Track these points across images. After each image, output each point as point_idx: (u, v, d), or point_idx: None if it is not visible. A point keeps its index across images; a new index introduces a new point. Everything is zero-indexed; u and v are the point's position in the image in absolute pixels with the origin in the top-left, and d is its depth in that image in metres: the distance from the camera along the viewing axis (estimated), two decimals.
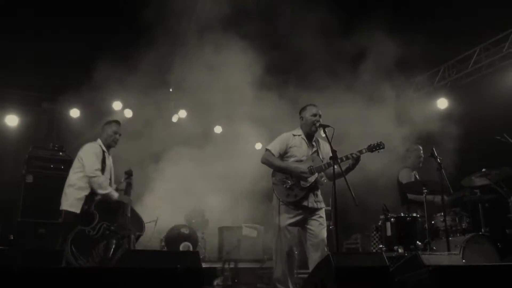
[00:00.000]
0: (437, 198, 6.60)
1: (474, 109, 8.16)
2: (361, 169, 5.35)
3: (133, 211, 5.48)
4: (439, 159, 6.05)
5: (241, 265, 7.88)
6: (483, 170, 6.42)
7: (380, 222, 6.57)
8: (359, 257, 4.09)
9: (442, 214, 6.13)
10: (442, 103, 9.31)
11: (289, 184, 5.17)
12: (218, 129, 10.78)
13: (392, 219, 6.35)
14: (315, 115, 5.35)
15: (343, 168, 5.06)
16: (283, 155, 5.36)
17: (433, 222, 6.43)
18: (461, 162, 7.61)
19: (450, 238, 5.93)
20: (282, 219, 5.17)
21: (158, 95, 9.83)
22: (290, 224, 5.15)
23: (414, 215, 6.33)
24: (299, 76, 8.04)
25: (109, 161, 5.72)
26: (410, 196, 6.84)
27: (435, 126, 8.26)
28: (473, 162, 7.25)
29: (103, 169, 5.51)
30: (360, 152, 5.11)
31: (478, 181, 6.56)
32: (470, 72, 9.06)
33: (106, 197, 5.33)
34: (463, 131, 7.93)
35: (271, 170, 5.38)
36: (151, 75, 8.41)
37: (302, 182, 5.18)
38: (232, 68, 7.96)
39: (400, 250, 6.10)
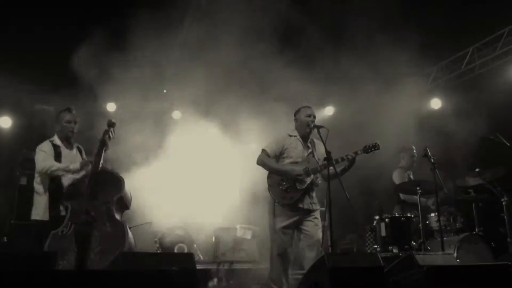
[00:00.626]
0: (430, 202, 6.64)
1: (468, 109, 8.19)
2: (356, 168, 5.36)
3: (104, 174, 5.06)
4: (433, 159, 6.07)
5: (236, 266, 7.87)
6: (477, 170, 6.45)
7: (374, 222, 6.59)
8: (353, 257, 4.10)
9: (436, 214, 6.17)
10: (436, 103, 9.35)
11: (285, 186, 5.19)
12: (213, 130, 10.76)
13: (386, 220, 6.38)
14: (309, 116, 5.38)
15: (338, 169, 5.07)
16: (279, 156, 5.38)
17: (427, 222, 6.46)
18: (455, 162, 7.63)
19: (445, 238, 5.95)
20: (277, 221, 5.19)
21: (153, 96, 9.80)
22: (285, 226, 5.17)
23: (409, 215, 6.36)
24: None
25: (71, 154, 5.33)
26: (403, 196, 6.87)
27: (429, 126, 8.29)
28: (467, 162, 7.29)
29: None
30: (356, 153, 5.16)
31: (472, 181, 6.59)
32: (463, 72, 9.09)
33: (73, 181, 4.99)
34: (456, 131, 7.96)
35: (267, 171, 5.39)
36: (146, 76, 8.38)
37: (298, 184, 5.19)
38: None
39: (394, 250, 6.13)
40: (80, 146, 5.56)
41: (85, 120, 9.60)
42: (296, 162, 5.29)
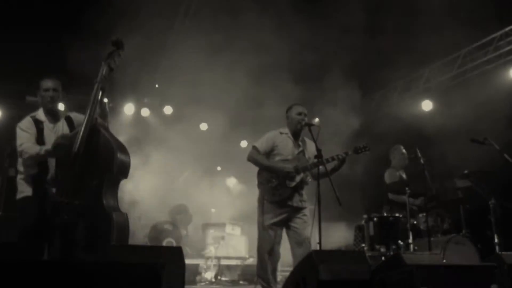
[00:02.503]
0: (417, 202, 6.68)
1: (458, 111, 8.25)
2: (346, 168, 5.39)
3: (99, 132, 4.07)
4: (423, 160, 6.12)
5: (224, 262, 7.89)
6: (465, 172, 6.49)
7: (363, 221, 6.63)
8: (340, 255, 4.12)
9: (424, 215, 6.22)
10: (427, 105, 9.41)
11: (274, 183, 5.17)
12: (203, 126, 10.78)
13: (375, 219, 6.41)
14: (300, 113, 5.35)
15: (329, 168, 5.07)
16: (269, 153, 5.34)
17: (415, 222, 6.49)
18: (445, 164, 7.69)
19: (432, 239, 5.99)
20: (266, 218, 5.17)
21: (144, 90, 9.80)
22: (274, 223, 5.16)
23: (397, 215, 6.40)
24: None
25: (56, 128, 4.54)
26: (391, 196, 6.91)
27: (420, 128, 8.35)
28: (457, 164, 7.34)
29: (40, 142, 4.39)
30: (346, 153, 5.14)
31: (461, 183, 6.64)
32: (455, 75, 9.15)
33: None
34: (447, 133, 8.02)
35: (257, 168, 5.40)
36: (137, 70, 8.35)
37: (287, 182, 5.17)
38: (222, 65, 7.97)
39: (382, 250, 6.17)
40: (70, 116, 4.68)
41: (76, 111, 9.65)
42: (287, 160, 5.27)
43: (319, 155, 4.93)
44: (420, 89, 9.77)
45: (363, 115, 9.77)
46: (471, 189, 6.61)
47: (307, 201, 5.34)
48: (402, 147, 7.26)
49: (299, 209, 5.23)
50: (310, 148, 5.35)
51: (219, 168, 10.45)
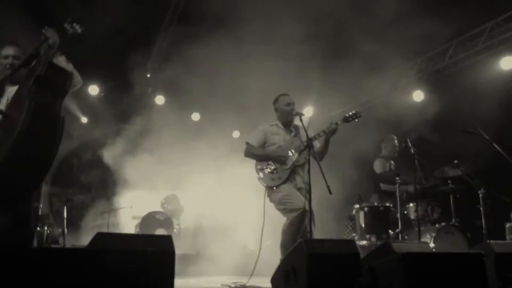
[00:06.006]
0: (410, 188, 6.71)
1: (449, 102, 8.28)
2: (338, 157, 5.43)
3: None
4: (413, 149, 6.15)
5: (216, 252, 7.90)
6: (455, 161, 6.53)
7: (353, 211, 6.67)
8: (330, 244, 4.13)
9: (415, 204, 6.26)
10: (418, 96, 9.43)
11: (271, 168, 5.22)
12: (195, 116, 10.76)
13: (365, 209, 6.46)
14: (288, 104, 5.41)
15: (321, 143, 5.16)
16: (264, 144, 5.41)
17: (405, 212, 6.54)
18: (435, 154, 7.73)
19: (422, 228, 6.05)
20: (275, 197, 5.18)
21: (136, 79, 9.75)
22: (286, 198, 5.09)
23: (387, 205, 6.44)
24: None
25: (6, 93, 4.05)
26: (383, 186, 6.94)
27: (411, 118, 8.37)
28: (447, 154, 7.37)
29: None
30: (336, 123, 5.15)
31: (451, 172, 6.68)
32: (446, 65, 9.17)
33: None
34: (438, 123, 8.05)
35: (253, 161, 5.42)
36: (128, 58, 8.32)
37: (283, 165, 5.21)
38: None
39: (372, 239, 6.23)
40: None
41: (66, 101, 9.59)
42: (281, 146, 5.31)
43: (309, 146, 4.94)
44: (411, 79, 9.78)
45: (354, 105, 9.79)
46: (461, 179, 6.66)
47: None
48: (395, 139, 7.29)
49: (303, 190, 5.15)
50: (303, 133, 5.27)
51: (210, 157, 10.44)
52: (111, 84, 9.83)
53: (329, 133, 5.12)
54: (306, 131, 5.02)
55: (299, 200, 5.03)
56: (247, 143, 5.43)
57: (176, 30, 8.47)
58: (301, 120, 5.13)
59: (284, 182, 5.17)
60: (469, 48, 8.66)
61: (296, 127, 5.49)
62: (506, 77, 7.92)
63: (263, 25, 7.18)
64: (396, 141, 7.26)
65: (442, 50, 9.11)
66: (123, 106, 10.16)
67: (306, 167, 5.09)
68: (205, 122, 10.47)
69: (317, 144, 5.24)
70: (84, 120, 10.09)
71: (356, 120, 5.20)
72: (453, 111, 7.93)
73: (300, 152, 5.23)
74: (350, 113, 5.20)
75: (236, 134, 10.31)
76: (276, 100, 5.54)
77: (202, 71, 8.25)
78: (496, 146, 5.91)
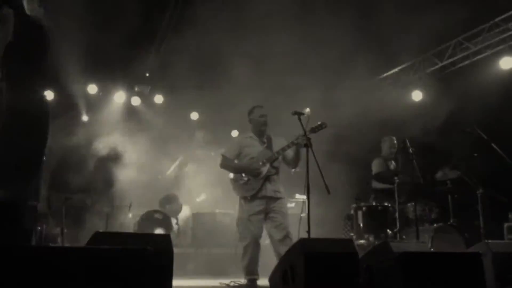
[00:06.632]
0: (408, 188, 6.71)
1: (448, 102, 8.28)
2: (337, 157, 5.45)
3: None
4: (412, 149, 6.16)
5: (214, 251, 7.91)
6: (454, 161, 6.55)
7: (352, 210, 6.68)
8: (328, 243, 4.14)
9: (413, 204, 6.27)
10: (417, 96, 9.43)
11: (244, 179, 5.46)
12: (194, 116, 10.75)
13: (363, 208, 6.47)
14: (262, 115, 5.65)
15: (294, 152, 5.43)
16: (238, 156, 5.65)
17: (404, 212, 6.55)
18: (434, 154, 7.74)
19: (420, 228, 6.06)
20: (244, 211, 5.45)
21: (134, 79, 9.75)
22: (252, 214, 5.37)
23: (385, 204, 6.45)
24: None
25: None
26: (375, 184, 6.98)
27: (409, 118, 8.38)
28: (446, 154, 7.39)
29: None
30: (304, 135, 5.24)
31: (449, 173, 6.69)
32: (444, 65, 9.17)
33: None
34: (436, 123, 8.05)
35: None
36: (127, 58, 8.32)
37: (256, 177, 5.43)
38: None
39: (370, 239, 6.24)
40: None
41: (66, 101, 9.60)
42: (253, 158, 5.53)
43: (309, 145, 5.02)
44: (410, 79, 9.78)
45: (353, 105, 9.79)
46: (459, 179, 6.67)
47: (282, 192, 5.57)
48: (393, 140, 7.30)
49: (275, 199, 5.46)
50: (277, 143, 5.61)
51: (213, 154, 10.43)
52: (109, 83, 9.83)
53: (298, 144, 5.32)
54: (304, 130, 5.11)
55: (259, 227, 5.38)
56: (223, 156, 5.71)
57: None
58: (299, 120, 5.18)
59: (257, 192, 5.40)
60: (468, 48, 8.66)
61: (269, 138, 5.70)
62: (505, 77, 7.92)
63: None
64: (394, 142, 7.27)
65: (441, 50, 9.11)
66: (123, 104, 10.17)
67: (277, 177, 5.54)
68: (204, 121, 10.48)
69: (290, 153, 5.49)
70: (85, 118, 10.10)
71: (323, 129, 5.41)
72: (452, 111, 7.93)
73: (271, 163, 5.46)
74: (317, 124, 5.37)
75: (235, 133, 10.30)
76: (250, 112, 5.75)
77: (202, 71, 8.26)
78: (494, 146, 5.93)
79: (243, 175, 5.48)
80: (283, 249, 5.00)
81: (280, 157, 5.51)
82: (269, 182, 5.45)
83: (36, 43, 3.29)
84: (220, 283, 5.57)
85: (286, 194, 5.70)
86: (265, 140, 5.66)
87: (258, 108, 5.70)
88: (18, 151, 3.11)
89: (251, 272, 5.30)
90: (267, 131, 5.70)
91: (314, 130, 5.33)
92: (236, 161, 5.64)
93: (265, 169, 5.43)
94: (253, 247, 5.31)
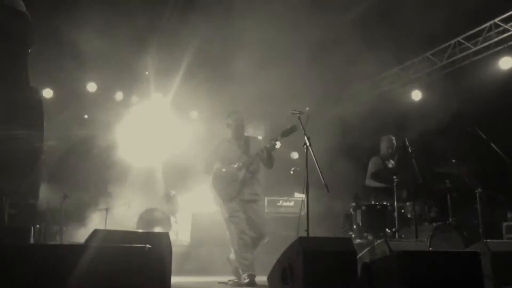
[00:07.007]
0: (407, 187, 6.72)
1: (448, 101, 8.29)
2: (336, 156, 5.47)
3: None
4: (411, 149, 6.16)
5: (213, 249, 7.90)
6: (453, 161, 6.55)
7: (351, 209, 6.68)
8: (327, 242, 4.15)
9: (412, 203, 6.27)
10: (416, 95, 9.44)
11: (223, 184, 5.74)
12: (194, 114, 10.75)
13: (362, 207, 6.47)
14: (237, 120, 5.92)
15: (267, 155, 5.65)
16: (219, 161, 5.91)
17: (402, 210, 6.54)
18: (433, 153, 7.74)
19: (419, 227, 6.04)
20: (225, 211, 5.70)
21: (133, 77, 9.75)
22: (232, 215, 5.64)
23: (384, 203, 6.45)
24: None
25: None
26: (369, 182, 6.98)
27: (409, 118, 8.39)
28: (445, 154, 7.39)
29: None
30: (275, 139, 5.60)
31: (448, 172, 6.69)
32: (444, 65, 9.18)
33: None
34: (436, 123, 8.06)
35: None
36: (127, 56, 8.31)
37: (233, 180, 5.70)
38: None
39: (369, 237, 6.23)
40: None
41: (65, 99, 9.61)
42: (232, 163, 5.79)
43: (309, 143, 5.09)
44: (409, 79, 9.79)
45: (352, 104, 9.81)
46: (458, 178, 6.67)
47: (259, 194, 5.86)
48: (392, 139, 7.30)
49: (251, 202, 5.73)
50: (254, 145, 5.90)
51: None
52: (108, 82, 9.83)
53: (270, 148, 5.60)
54: (304, 129, 5.17)
55: (241, 223, 5.60)
56: (205, 161, 6.02)
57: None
58: (299, 119, 5.21)
59: (235, 196, 5.67)
60: (468, 48, 8.67)
61: (247, 140, 5.97)
62: (505, 77, 7.93)
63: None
64: (393, 141, 7.26)
65: (441, 50, 9.11)
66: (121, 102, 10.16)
67: (255, 180, 5.81)
68: (203, 119, 10.47)
69: (264, 156, 5.69)
70: (85, 116, 10.11)
71: (293, 133, 5.56)
72: (451, 111, 7.94)
73: (247, 167, 5.71)
74: (287, 128, 5.54)
75: None
76: (228, 116, 6.01)
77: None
78: (493, 146, 5.93)
79: (222, 179, 5.76)
80: (252, 234, 5.59)
81: (261, 159, 5.73)
82: (245, 186, 5.71)
83: (20, 32, 3.09)
84: (219, 283, 5.58)
85: (285, 193, 5.78)
86: (242, 143, 5.94)
87: (233, 113, 5.98)
88: (14, 145, 2.98)
89: (248, 266, 5.42)
90: (245, 132, 6.03)
91: (284, 134, 5.55)
92: (216, 166, 5.90)
93: (241, 174, 5.69)
94: (239, 244, 5.51)
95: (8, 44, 3.03)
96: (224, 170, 5.80)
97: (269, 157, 5.68)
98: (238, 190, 5.67)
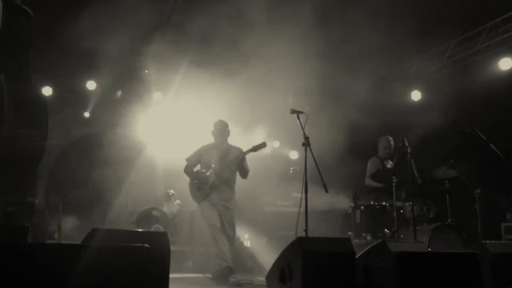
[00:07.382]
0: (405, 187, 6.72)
1: (447, 102, 8.29)
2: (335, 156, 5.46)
3: None
4: (410, 149, 6.16)
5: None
6: (452, 161, 6.55)
7: (350, 209, 6.68)
8: (326, 242, 4.14)
9: (411, 203, 6.26)
10: (416, 95, 9.44)
11: (197, 186, 6.15)
12: (193, 113, 10.72)
13: (361, 207, 6.47)
14: (219, 129, 6.26)
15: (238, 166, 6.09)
16: (199, 163, 6.33)
17: (401, 211, 6.55)
18: (432, 154, 7.74)
19: (418, 227, 6.04)
20: (200, 208, 6.16)
21: (134, 76, 9.73)
22: (206, 214, 6.05)
23: (383, 203, 6.45)
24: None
25: None
26: (368, 182, 6.99)
27: (409, 118, 8.38)
28: (444, 154, 7.39)
29: None
30: (245, 153, 6.02)
31: (447, 172, 6.69)
32: (444, 65, 9.18)
33: None
34: (435, 123, 8.05)
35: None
36: (126, 55, 8.29)
37: (205, 184, 6.07)
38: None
39: (368, 238, 6.23)
40: None
41: (63, 97, 9.60)
42: (207, 167, 6.17)
43: (307, 143, 5.11)
44: (409, 79, 9.79)
45: (352, 105, 9.79)
46: (457, 179, 6.67)
47: (230, 200, 6.16)
48: (389, 140, 7.29)
49: (225, 208, 6.06)
50: (232, 154, 6.20)
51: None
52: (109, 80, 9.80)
53: (237, 160, 6.04)
54: (303, 129, 5.16)
55: (213, 217, 5.97)
56: (187, 160, 6.34)
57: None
58: (298, 119, 5.22)
59: (204, 199, 6.08)
60: (467, 49, 8.67)
61: (227, 149, 6.27)
62: (505, 77, 7.93)
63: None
64: (391, 141, 7.26)
65: (440, 50, 9.11)
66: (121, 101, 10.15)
67: (226, 187, 6.14)
68: (202, 118, 10.44)
69: (233, 166, 6.11)
70: (86, 114, 10.10)
71: (263, 149, 6.11)
72: (451, 112, 7.94)
73: (217, 174, 6.05)
74: (257, 144, 6.04)
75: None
76: (213, 125, 6.35)
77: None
78: (493, 146, 5.93)
79: (196, 181, 6.17)
80: (228, 240, 5.96)
81: (230, 168, 6.11)
82: (215, 191, 6.06)
83: (25, 30, 3.08)
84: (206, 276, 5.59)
85: (284, 192, 5.78)
86: (222, 151, 6.25)
87: (217, 123, 6.33)
88: (18, 144, 2.96)
89: (222, 259, 5.72)
90: (228, 141, 6.37)
91: (254, 149, 6.00)
92: (195, 168, 6.32)
93: (211, 179, 6.04)
94: (217, 235, 5.88)
95: (15, 43, 3.03)
96: (199, 173, 6.21)
97: (240, 168, 6.13)
98: (206, 194, 6.06)
